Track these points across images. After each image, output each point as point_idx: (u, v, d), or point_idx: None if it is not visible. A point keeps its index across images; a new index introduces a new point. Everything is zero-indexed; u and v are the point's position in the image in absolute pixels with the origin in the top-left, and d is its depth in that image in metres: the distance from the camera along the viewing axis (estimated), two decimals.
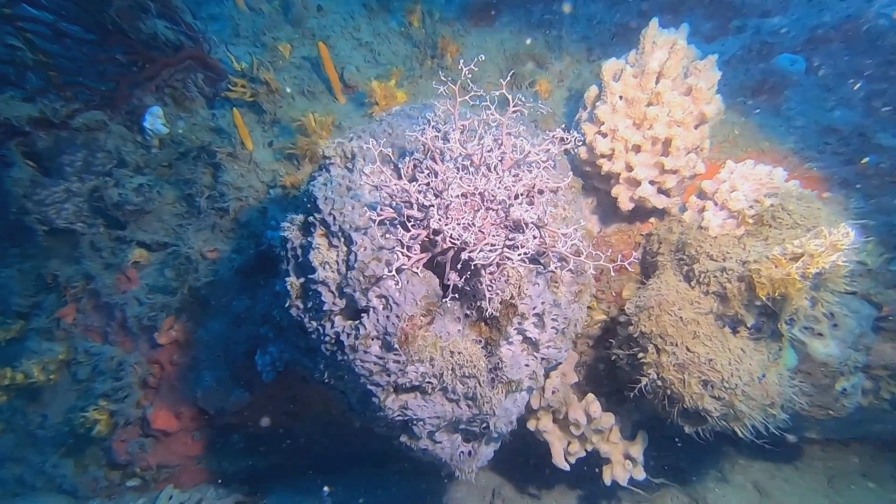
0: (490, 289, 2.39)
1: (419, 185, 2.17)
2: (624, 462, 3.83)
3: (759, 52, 3.55)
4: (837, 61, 3.45)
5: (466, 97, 2.42)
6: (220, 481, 5.62)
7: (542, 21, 4.37)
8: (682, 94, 2.78)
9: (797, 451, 5.22)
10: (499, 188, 2.14)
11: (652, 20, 2.90)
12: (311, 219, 2.51)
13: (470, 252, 2.19)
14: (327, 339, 2.55)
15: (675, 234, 2.87)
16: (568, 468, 3.92)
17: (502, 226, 2.26)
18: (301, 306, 2.58)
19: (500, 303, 2.46)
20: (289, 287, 2.58)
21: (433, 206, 2.13)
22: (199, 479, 5.72)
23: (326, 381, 2.74)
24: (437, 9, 5.13)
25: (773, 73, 3.43)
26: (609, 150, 2.84)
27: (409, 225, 2.23)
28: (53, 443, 5.65)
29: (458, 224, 2.16)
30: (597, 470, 3.97)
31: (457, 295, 2.43)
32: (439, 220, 2.13)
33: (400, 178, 2.49)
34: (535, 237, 2.16)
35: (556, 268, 2.26)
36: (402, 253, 2.21)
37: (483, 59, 2.84)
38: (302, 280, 2.56)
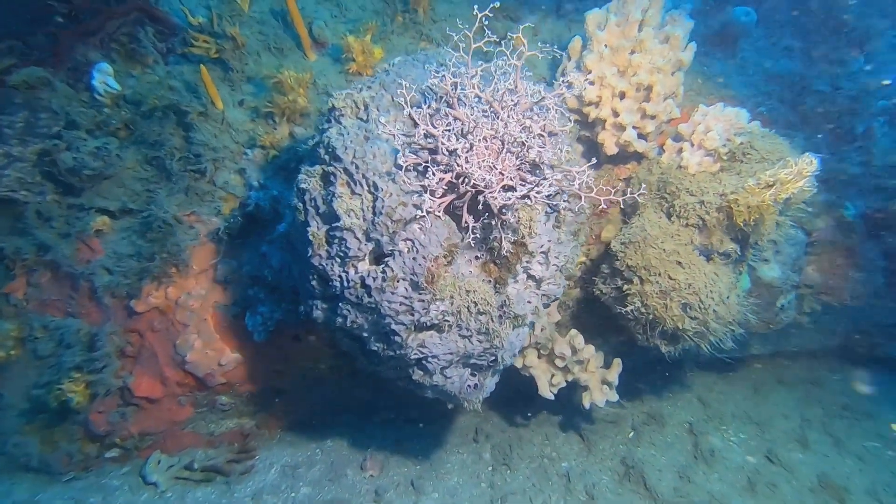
0: (505, 229, 2.57)
1: (443, 131, 2.28)
2: (601, 387, 4.25)
3: (715, 4, 3.84)
4: (780, 15, 3.82)
5: (480, 44, 2.50)
6: (208, 443, 5.61)
7: None
8: (661, 41, 3.01)
9: (729, 365, 5.89)
10: (519, 131, 2.28)
11: None
12: (330, 168, 2.55)
13: (491, 194, 2.35)
14: (352, 283, 2.65)
15: (655, 175, 3.16)
16: (553, 398, 4.30)
17: (518, 167, 2.42)
18: (324, 254, 2.65)
19: (512, 243, 2.65)
20: (311, 237, 2.63)
21: (457, 149, 2.25)
22: (186, 444, 5.67)
23: (348, 326, 2.85)
24: None
25: (729, 25, 3.74)
26: (597, 97, 3.04)
27: (434, 169, 2.34)
28: (14, 422, 5.36)
29: (481, 167, 2.30)
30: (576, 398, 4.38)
31: (472, 236, 2.59)
32: (465, 162, 2.25)
33: (416, 125, 2.57)
34: (553, 177, 2.34)
35: (565, 207, 2.46)
36: (428, 197, 2.33)
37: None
38: (325, 229, 2.61)
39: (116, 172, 4.90)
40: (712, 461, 4.97)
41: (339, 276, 2.68)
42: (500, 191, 2.37)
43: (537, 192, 2.25)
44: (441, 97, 2.53)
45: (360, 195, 2.49)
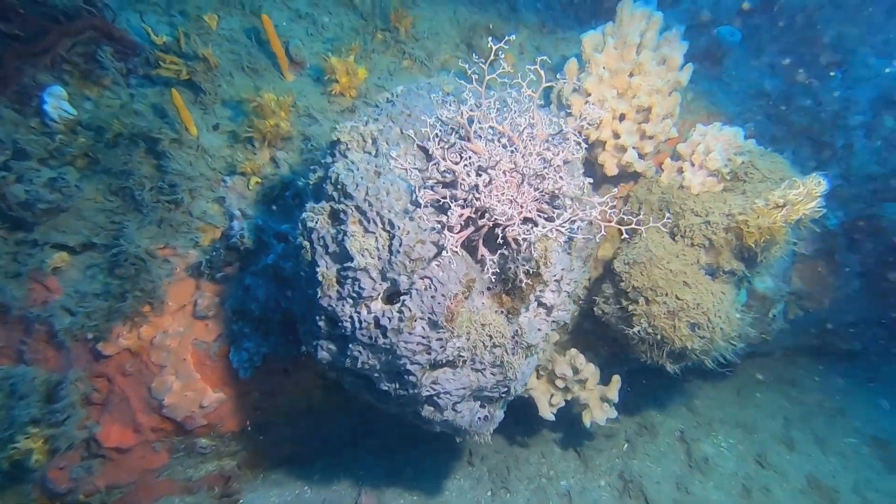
0: (521, 261, 2.54)
1: (463, 166, 2.23)
2: (601, 405, 4.28)
3: (701, 25, 3.99)
4: (762, 33, 4.01)
5: (494, 75, 2.46)
6: (185, 489, 5.29)
7: None
8: (658, 63, 3.08)
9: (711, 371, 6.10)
10: (540, 164, 2.26)
11: None
12: (340, 206, 2.45)
13: (508, 226, 2.31)
14: (365, 324, 2.55)
15: (656, 194, 3.22)
16: (553, 418, 4.30)
17: (537, 199, 2.39)
18: (334, 295, 2.54)
19: (527, 273, 2.63)
20: (320, 278, 2.51)
21: (477, 184, 2.21)
22: (161, 493, 5.33)
23: (359, 367, 2.74)
24: None
25: (715, 43, 3.89)
26: (597, 118, 3.08)
27: (453, 205, 2.28)
28: None
29: (501, 201, 2.26)
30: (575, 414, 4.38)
31: (490, 270, 2.55)
32: (486, 197, 2.21)
33: (430, 159, 2.51)
34: (571, 208, 2.33)
35: (581, 236, 2.45)
36: (448, 234, 2.27)
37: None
38: (336, 269, 2.50)
39: (75, 204, 4.57)
40: (707, 469, 5.09)
41: (351, 317, 2.58)
42: (519, 223, 2.33)
43: (560, 227, 2.23)
44: (454, 129, 2.48)
45: (374, 233, 2.40)
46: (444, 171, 2.22)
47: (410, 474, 5.42)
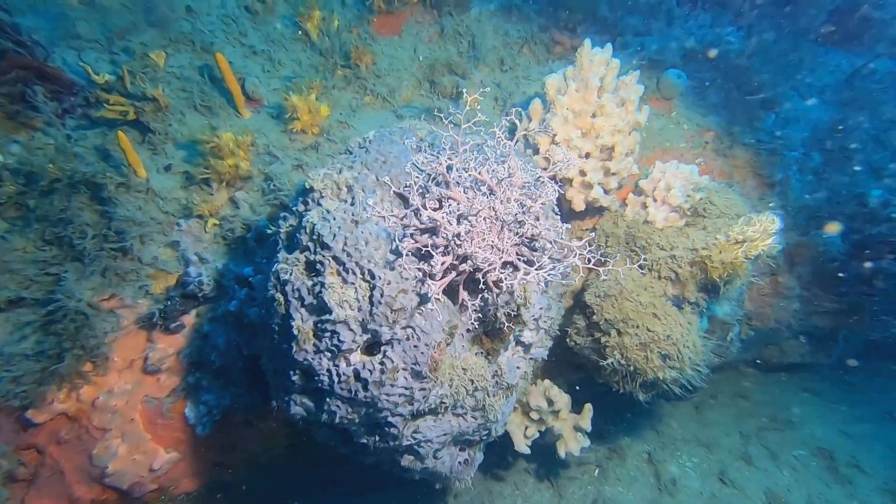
0: (502, 304, 2.54)
1: (444, 215, 2.22)
2: (575, 435, 4.30)
3: (649, 67, 4.25)
4: (704, 75, 4.33)
5: (470, 123, 2.49)
6: None
7: (454, 32, 4.56)
8: (618, 105, 3.24)
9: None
10: (519, 209, 2.29)
11: (586, 40, 3.31)
12: (317, 257, 2.37)
13: (490, 271, 2.32)
14: (344, 378, 2.45)
15: (621, 228, 3.34)
16: (529, 452, 4.28)
17: (516, 244, 2.42)
18: (310, 349, 2.43)
19: (507, 316, 2.63)
20: (296, 331, 2.40)
21: (459, 232, 2.21)
22: None
23: (337, 422, 2.62)
24: (334, 14, 4.97)
25: (664, 85, 4.15)
26: (563, 157, 3.18)
27: (435, 253, 2.26)
28: None
29: (483, 247, 2.27)
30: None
31: (472, 316, 2.53)
32: (468, 244, 2.21)
33: (407, 206, 2.48)
34: (550, 252, 2.37)
35: (562, 280, 2.49)
36: (431, 282, 2.24)
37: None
38: (312, 321, 2.40)
39: (1, 257, 4.18)
40: (675, 491, 5.21)
41: (329, 371, 2.47)
42: (500, 268, 2.34)
43: (539, 270, 2.25)
44: (431, 175, 2.48)
45: (354, 284, 2.33)
46: (427, 220, 2.20)
47: None
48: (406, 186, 2.49)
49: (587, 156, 3.24)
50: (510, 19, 4.60)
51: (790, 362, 6.83)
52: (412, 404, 2.53)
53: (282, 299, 2.47)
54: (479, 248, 2.25)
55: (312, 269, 2.43)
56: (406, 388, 2.45)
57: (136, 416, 4.18)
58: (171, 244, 4.12)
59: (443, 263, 2.26)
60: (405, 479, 3.67)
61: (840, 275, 4.79)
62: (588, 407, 4.25)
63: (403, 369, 2.40)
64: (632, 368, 3.26)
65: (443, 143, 2.48)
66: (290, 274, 2.42)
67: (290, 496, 5.33)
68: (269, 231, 2.79)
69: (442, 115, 4.18)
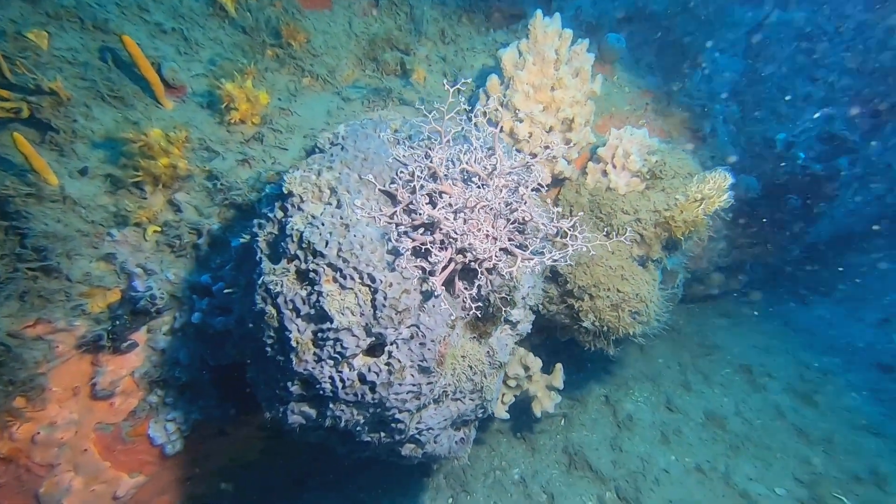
0: (496, 289, 2.60)
1: (441, 209, 2.20)
2: (549, 393, 4.57)
3: (588, 32, 4.33)
4: (637, 37, 4.49)
5: (452, 113, 2.43)
6: None
7: (389, 3, 4.33)
8: (573, 76, 3.30)
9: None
10: (510, 196, 2.32)
11: (537, 12, 3.29)
12: (310, 266, 2.26)
13: (487, 260, 2.35)
14: (349, 382, 2.42)
15: (584, 197, 3.49)
16: (508, 416, 4.49)
17: (509, 230, 2.46)
18: (311, 359, 2.35)
19: (501, 300, 2.70)
20: (294, 343, 2.31)
21: (460, 228, 2.20)
22: None
23: (342, 426, 2.59)
24: None
25: (605, 49, 4.26)
26: (528, 133, 3.22)
27: (433, 249, 2.25)
28: None
29: (479, 238, 2.29)
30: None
31: (469, 304, 2.56)
32: (466, 237, 2.22)
33: (395, 203, 2.42)
34: (544, 233, 2.44)
35: (562, 262, 2.54)
36: (434, 280, 2.23)
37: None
38: (310, 331, 2.32)
39: None
40: (632, 426, 5.76)
41: (331, 378, 2.42)
42: (496, 256, 2.38)
43: (540, 256, 2.32)
44: (417, 170, 2.42)
45: (353, 289, 2.26)
46: (427, 217, 2.16)
47: (366, 501, 5.29)
48: (392, 183, 2.41)
49: (550, 129, 3.30)
50: None
51: (709, 294, 7.64)
52: (419, 399, 2.55)
53: (274, 312, 2.34)
54: (478, 239, 2.26)
55: (304, 278, 2.31)
56: (414, 385, 2.46)
57: (89, 445, 3.85)
58: (104, 257, 3.71)
59: (444, 259, 2.25)
60: (391, 462, 3.74)
61: (755, 211, 5.34)
62: (559, 366, 4.51)
63: (410, 367, 2.41)
64: (605, 328, 3.48)
65: (422, 133, 2.41)
66: (281, 286, 2.29)
67: (265, 494, 5.24)
68: (241, 240, 2.60)
69: (393, 96, 4.05)
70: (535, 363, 4.30)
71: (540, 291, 3.14)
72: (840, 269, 9.39)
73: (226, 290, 2.79)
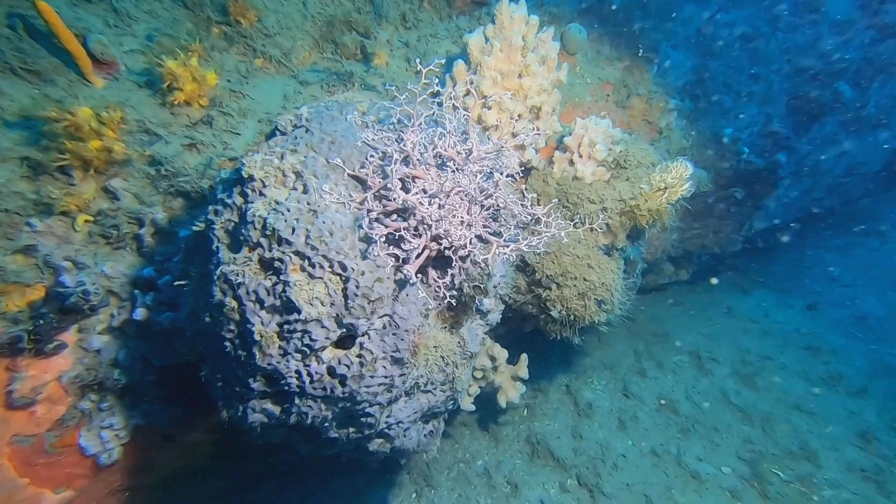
0: (469, 278, 2.57)
1: (414, 195, 2.13)
2: (514, 384, 4.61)
3: (550, 22, 4.37)
4: (597, 28, 4.58)
5: (426, 95, 2.36)
6: None
7: None
8: (540, 63, 3.31)
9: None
10: (486, 182, 2.29)
11: None
12: (274, 254, 2.13)
13: (461, 248, 2.32)
14: (317, 377, 2.32)
15: (552, 186, 3.52)
16: (474, 408, 4.49)
17: (483, 215, 2.43)
18: (276, 353, 2.23)
19: (474, 288, 2.68)
20: (258, 337, 2.18)
21: (437, 215, 2.16)
22: None
23: (309, 422, 2.48)
24: None
25: (567, 40, 4.31)
26: (496, 120, 3.20)
27: (407, 235, 2.19)
28: None
29: (454, 224, 2.25)
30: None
31: (442, 293, 2.52)
32: (442, 223, 2.17)
33: (366, 189, 2.33)
34: (518, 220, 2.42)
35: (537, 249, 2.53)
36: (409, 268, 2.17)
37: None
38: (276, 323, 2.19)
39: None
40: (591, 413, 5.92)
41: (298, 372, 2.31)
42: (470, 244, 2.34)
43: (516, 244, 2.30)
44: (387, 154, 2.33)
45: (322, 279, 2.16)
46: (401, 203, 2.09)
47: (324, 501, 5.15)
48: (362, 168, 2.32)
49: (519, 117, 3.30)
50: None
51: (660, 283, 7.99)
52: (391, 391, 2.49)
53: (235, 304, 2.20)
54: (453, 226, 2.21)
55: (268, 267, 2.18)
56: (386, 378, 2.39)
57: (2, 461, 3.51)
58: (22, 250, 3.36)
59: (419, 247, 2.19)
60: (355, 460, 3.65)
61: (704, 203, 5.62)
62: (524, 357, 4.55)
63: (383, 358, 2.33)
64: (572, 317, 3.54)
65: (391, 117, 2.33)
66: (243, 276, 2.15)
67: (217, 498, 5.00)
68: (194, 228, 2.42)
69: (354, 80, 3.92)
70: (502, 354, 4.31)
71: (510, 281, 3.14)
72: (772, 259, 10.08)
73: (176, 283, 2.59)
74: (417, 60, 2.53)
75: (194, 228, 2.40)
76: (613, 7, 4.68)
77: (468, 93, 3.19)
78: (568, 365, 6.55)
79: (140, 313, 3.22)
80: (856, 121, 7.30)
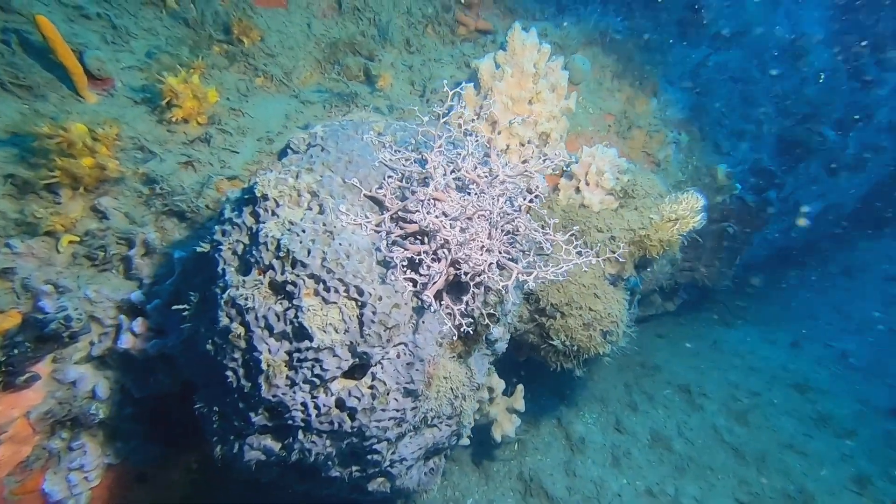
0: (482, 305, 2.52)
1: (436, 218, 2.09)
2: (510, 417, 4.51)
3: (554, 52, 4.49)
4: (599, 60, 4.72)
5: (446, 118, 2.35)
6: None
7: (353, 8, 4.22)
8: (550, 90, 3.36)
9: None
10: (508, 207, 2.27)
11: (515, 24, 3.34)
12: (288, 277, 2.04)
13: (480, 274, 2.27)
14: (324, 409, 2.20)
15: (557, 213, 3.52)
16: (469, 442, 4.36)
17: (503, 240, 2.39)
18: (283, 383, 2.11)
19: (488, 316, 2.62)
20: (264, 366, 2.06)
21: (456, 237, 2.11)
22: None
23: (312, 459, 2.35)
24: None
25: (573, 70, 4.42)
26: (506, 144, 3.22)
27: (427, 260, 2.13)
28: None
29: (476, 249, 2.21)
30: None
31: (458, 322, 2.45)
32: (465, 248, 2.13)
33: (383, 210, 2.28)
34: (533, 245, 2.40)
35: (550, 273, 2.48)
36: (428, 293, 2.11)
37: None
38: (284, 351, 2.08)
39: None
40: (584, 448, 5.82)
41: (304, 405, 2.18)
42: (488, 269, 2.30)
43: (532, 268, 2.27)
44: (404, 175, 2.30)
45: (336, 304, 2.07)
46: (428, 225, 2.04)
47: None
48: (379, 188, 2.27)
49: (528, 142, 3.33)
50: None
51: (648, 314, 8.05)
52: (401, 426, 2.38)
53: (241, 330, 2.08)
54: (474, 251, 2.17)
55: (280, 291, 2.09)
56: (398, 411, 2.29)
57: None
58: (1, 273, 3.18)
59: (440, 272, 2.13)
60: (351, 500, 3.47)
61: (698, 238, 5.73)
62: (520, 388, 4.47)
63: (396, 390, 2.24)
64: (576, 348, 3.49)
65: (408, 137, 2.30)
66: (253, 300, 2.05)
67: None
68: (198, 249, 2.31)
69: (358, 101, 3.91)
70: (499, 384, 4.23)
71: (519, 308, 3.09)
72: (752, 294, 10.31)
73: (175, 308, 2.46)
74: (444, 84, 2.53)
75: (198, 250, 2.29)
76: (616, 42, 4.84)
77: (478, 116, 3.21)
78: (558, 396, 6.47)
79: (126, 340, 3.04)
80: (836, 164, 7.66)
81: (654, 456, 6.04)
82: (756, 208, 6.16)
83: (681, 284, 7.70)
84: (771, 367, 8.46)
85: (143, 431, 3.50)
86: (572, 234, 2.37)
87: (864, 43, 7.19)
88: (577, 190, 3.48)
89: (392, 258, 2.05)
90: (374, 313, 2.07)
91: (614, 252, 3.36)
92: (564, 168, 3.56)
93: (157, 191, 3.23)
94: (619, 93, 4.86)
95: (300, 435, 2.30)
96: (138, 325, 3.03)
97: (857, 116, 7.15)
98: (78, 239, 3.24)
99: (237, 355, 2.15)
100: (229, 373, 2.19)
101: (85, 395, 3.30)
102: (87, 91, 3.67)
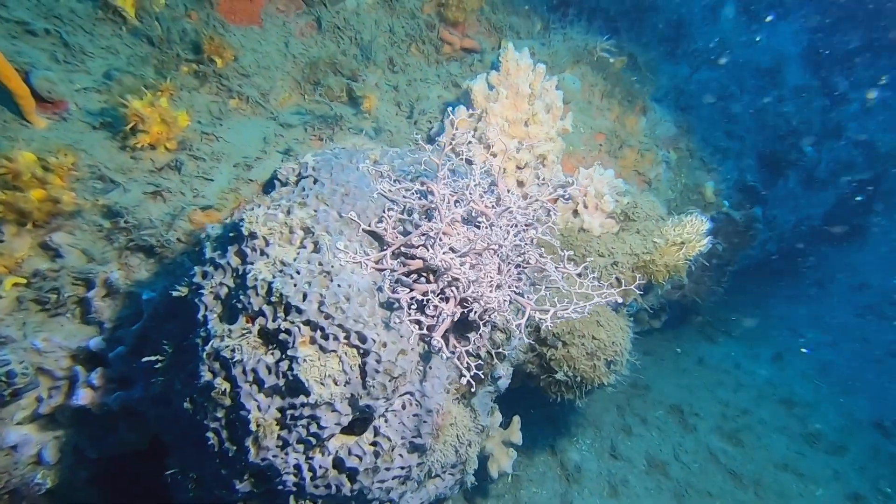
0: (489, 343, 2.36)
1: (446, 253, 1.93)
2: (507, 451, 4.31)
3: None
4: (588, 79, 4.70)
5: (450, 148, 2.20)
6: None
7: (333, 26, 4.07)
8: (545, 111, 3.27)
9: None
10: (519, 240, 2.12)
11: (508, 44, 3.24)
12: (280, 325, 1.83)
13: (491, 311, 2.12)
14: (320, 472, 1.98)
15: (556, 238, 3.40)
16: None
17: (513, 275, 2.25)
18: (273, 444, 1.88)
19: (496, 355, 2.46)
20: (253, 427, 1.83)
21: (468, 274, 1.95)
22: None
23: None
24: None
25: (564, 89, 4.37)
26: (502, 168, 3.10)
27: (435, 300, 1.96)
28: None
29: (486, 285, 2.05)
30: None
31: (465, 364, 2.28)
32: (476, 286, 1.97)
33: (383, 247, 2.10)
34: (536, 279, 2.26)
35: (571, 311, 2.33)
36: (437, 337, 1.93)
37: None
38: (275, 408, 1.86)
39: None
40: (580, 478, 5.66)
41: (297, 468, 1.96)
42: (499, 305, 2.14)
43: (530, 303, 2.12)
44: (406, 207, 2.13)
45: (336, 352, 1.87)
46: (439, 263, 1.87)
47: None
48: (379, 222, 2.09)
49: (525, 166, 3.22)
50: (393, 13, 4.29)
51: (636, 332, 8.02)
52: (406, 483, 2.17)
53: (227, 387, 1.85)
54: (484, 288, 2.01)
55: (271, 340, 1.87)
56: (403, 468, 2.08)
57: None
58: None
59: (449, 312, 1.96)
60: None
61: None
62: (517, 420, 4.29)
63: (402, 445, 2.03)
64: (579, 379, 3.35)
65: (407, 166, 2.15)
66: (240, 351, 1.83)
67: None
68: (174, 293, 2.07)
69: (342, 123, 3.74)
70: (496, 417, 4.04)
71: (524, 343, 2.94)
72: (733, 308, 10.48)
73: (146, 360, 2.20)
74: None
75: (174, 294, 2.06)
76: (603, 60, 4.84)
77: (471, 140, 3.08)
78: (550, 421, 6.31)
79: (82, 396, 2.73)
80: (810, 178, 7.88)
81: (652, 483, 5.92)
82: (742, 225, 6.24)
83: (666, 301, 7.72)
84: (757, 384, 8.53)
85: (99, 498, 3.15)
86: (585, 266, 2.24)
87: (835, 60, 7.51)
88: (575, 213, 3.39)
89: (397, 299, 1.87)
90: (378, 362, 1.88)
91: (618, 279, 3.27)
92: (562, 192, 3.46)
93: (121, 224, 2.96)
94: (608, 111, 4.85)
95: (291, 502, 2.07)
96: (97, 376, 2.73)
97: (828, 133, 7.43)
98: (24, 281, 2.92)
99: (220, 414, 1.91)
100: (210, 434, 1.95)
101: (28, 460, 2.95)
102: (35, 115, 3.38)
